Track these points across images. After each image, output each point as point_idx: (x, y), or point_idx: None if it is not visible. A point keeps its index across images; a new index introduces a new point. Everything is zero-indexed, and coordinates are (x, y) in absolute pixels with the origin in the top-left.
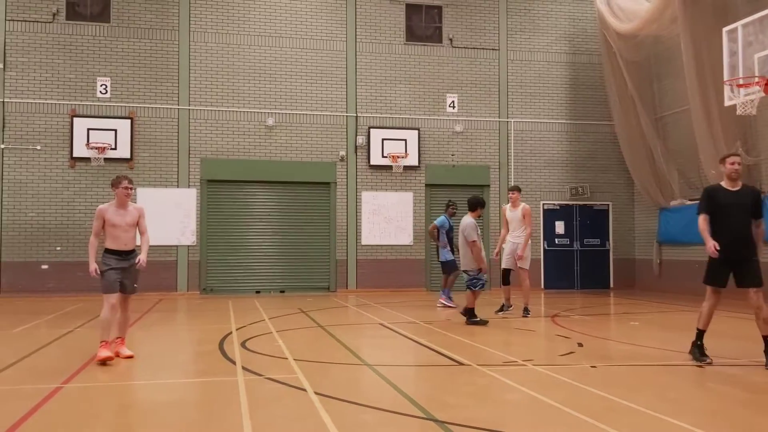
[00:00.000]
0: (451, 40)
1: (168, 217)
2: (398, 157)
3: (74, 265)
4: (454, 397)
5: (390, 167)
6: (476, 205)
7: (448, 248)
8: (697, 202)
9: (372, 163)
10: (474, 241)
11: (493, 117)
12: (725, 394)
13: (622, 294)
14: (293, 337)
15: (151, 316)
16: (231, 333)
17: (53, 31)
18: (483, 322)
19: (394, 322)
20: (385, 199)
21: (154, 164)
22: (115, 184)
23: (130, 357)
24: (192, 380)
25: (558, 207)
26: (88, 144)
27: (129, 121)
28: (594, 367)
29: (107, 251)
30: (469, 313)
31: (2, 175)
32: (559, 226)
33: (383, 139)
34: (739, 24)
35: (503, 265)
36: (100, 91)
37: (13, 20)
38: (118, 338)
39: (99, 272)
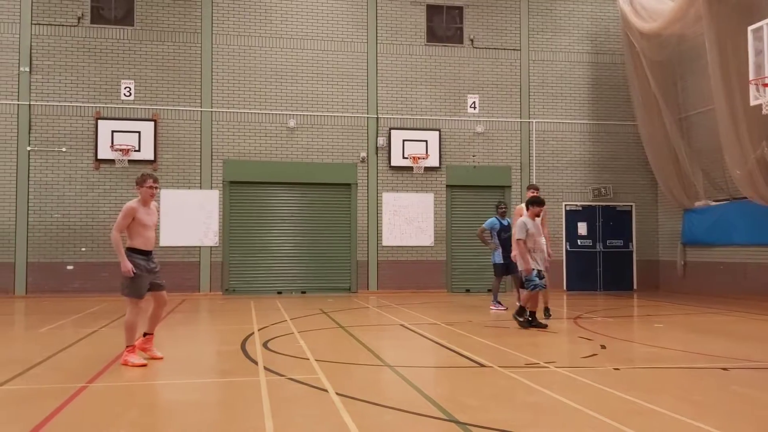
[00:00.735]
0: (472, 40)
1: (191, 218)
2: (419, 158)
3: (99, 266)
4: (475, 398)
5: (411, 168)
6: (528, 204)
7: (500, 250)
8: (723, 202)
9: (393, 164)
10: (518, 240)
11: (514, 117)
12: (750, 397)
13: (645, 296)
14: (315, 338)
15: (175, 317)
16: (253, 333)
17: (78, 35)
18: (528, 325)
19: (415, 323)
20: (405, 200)
21: (177, 166)
22: (140, 182)
23: (160, 359)
24: (215, 380)
25: (580, 208)
26: (112, 146)
27: (152, 123)
28: (617, 369)
29: (134, 251)
30: (519, 312)
31: (28, 176)
32: (582, 228)
33: (404, 140)
34: (764, 23)
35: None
36: (124, 94)
37: (39, 24)
38: (148, 335)
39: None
